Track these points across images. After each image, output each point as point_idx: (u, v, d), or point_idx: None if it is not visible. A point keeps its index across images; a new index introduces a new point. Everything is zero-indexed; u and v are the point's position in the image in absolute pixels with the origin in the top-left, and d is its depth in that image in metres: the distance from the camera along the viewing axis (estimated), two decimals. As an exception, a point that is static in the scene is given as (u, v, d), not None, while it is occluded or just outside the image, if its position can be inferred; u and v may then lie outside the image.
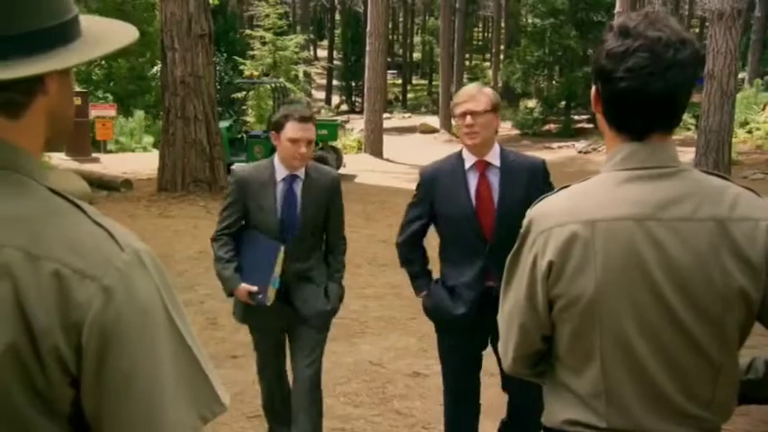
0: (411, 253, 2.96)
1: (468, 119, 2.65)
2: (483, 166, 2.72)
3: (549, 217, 1.42)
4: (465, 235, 2.71)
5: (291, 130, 2.94)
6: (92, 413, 0.95)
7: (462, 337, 2.82)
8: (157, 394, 0.95)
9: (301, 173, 3.05)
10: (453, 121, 2.81)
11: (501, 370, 2.84)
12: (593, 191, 1.41)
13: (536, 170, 2.75)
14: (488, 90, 2.76)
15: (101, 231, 0.97)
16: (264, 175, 3.03)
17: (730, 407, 1.43)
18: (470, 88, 2.77)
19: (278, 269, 2.98)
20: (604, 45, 1.38)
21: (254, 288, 2.96)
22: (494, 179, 2.71)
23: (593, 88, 1.44)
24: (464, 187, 2.72)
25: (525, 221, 1.48)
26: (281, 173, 3.03)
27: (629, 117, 1.38)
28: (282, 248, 2.96)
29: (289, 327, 3.16)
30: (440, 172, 2.82)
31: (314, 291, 3.08)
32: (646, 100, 1.34)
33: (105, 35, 1.05)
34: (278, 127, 2.99)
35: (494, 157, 2.72)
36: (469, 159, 2.75)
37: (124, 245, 0.96)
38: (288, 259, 3.00)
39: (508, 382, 2.84)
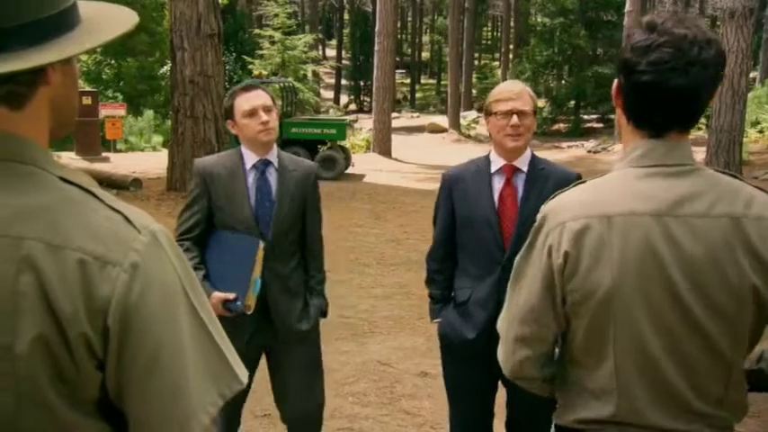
0: (436, 271, 2.71)
1: (515, 119, 2.45)
2: (510, 171, 2.54)
3: (565, 211, 1.41)
4: (484, 241, 2.51)
5: (241, 102, 2.61)
6: (117, 393, 0.97)
7: (472, 367, 2.58)
8: (181, 372, 0.97)
9: (274, 159, 2.68)
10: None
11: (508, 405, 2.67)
12: (610, 186, 1.41)
13: (566, 181, 2.41)
14: (529, 89, 2.57)
15: (117, 216, 0.98)
16: (232, 164, 2.65)
17: (744, 405, 1.43)
18: (514, 85, 2.56)
19: (257, 270, 2.55)
20: (631, 39, 1.38)
21: (231, 295, 2.51)
22: (519, 185, 2.53)
23: (616, 81, 1.44)
24: (488, 190, 2.52)
25: (539, 216, 1.47)
26: (250, 159, 2.65)
27: (648, 112, 1.38)
28: (261, 244, 2.55)
29: (267, 348, 2.75)
30: (464, 173, 2.62)
31: (292, 304, 2.69)
32: (665, 95, 1.34)
33: (105, 22, 1.04)
34: (229, 112, 2.64)
35: (523, 162, 2.55)
36: (497, 162, 2.55)
37: (141, 227, 0.98)
38: (267, 260, 2.60)
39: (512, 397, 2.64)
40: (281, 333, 2.70)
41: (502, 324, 1.56)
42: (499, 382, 2.63)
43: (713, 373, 1.37)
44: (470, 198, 2.56)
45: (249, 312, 2.56)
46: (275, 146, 2.72)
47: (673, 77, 1.32)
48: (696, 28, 1.34)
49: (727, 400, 1.39)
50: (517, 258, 1.52)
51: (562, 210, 1.42)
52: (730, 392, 1.39)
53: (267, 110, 2.61)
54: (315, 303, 2.77)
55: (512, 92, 2.50)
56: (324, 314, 2.84)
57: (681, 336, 1.35)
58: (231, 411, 2.76)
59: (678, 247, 1.33)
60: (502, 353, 1.56)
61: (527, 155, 2.57)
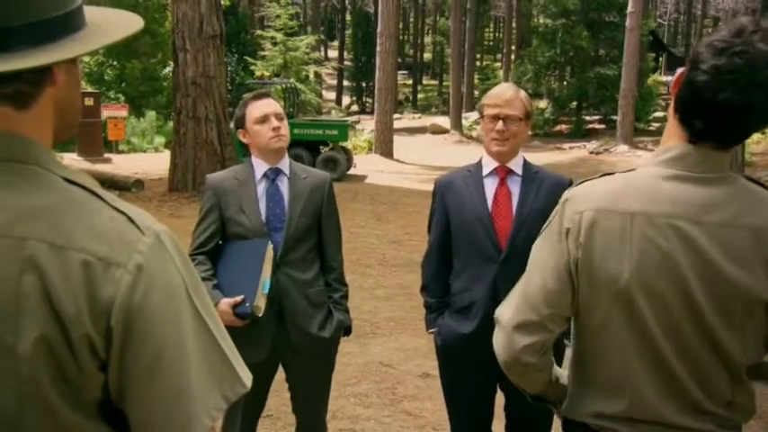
0: (432, 277, 2.67)
1: (500, 124, 2.46)
2: (504, 172, 2.54)
3: (588, 200, 1.39)
4: (479, 241, 2.49)
5: (252, 110, 2.63)
6: (119, 394, 0.97)
7: (471, 371, 2.55)
8: (184, 373, 0.97)
9: (285, 168, 2.68)
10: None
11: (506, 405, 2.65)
12: (637, 183, 1.38)
13: (560, 186, 2.50)
14: (524, 94, 2.54)
15: (120, 216, 0.98)
16: (243, 175, 2.66)
17: (751, 408, 1.43)
18: (507, 90, 2.53)
19: (266, 270, 2.49)
20: (714, 34, 1.33)
21: (239, 298, 2.45)
22: (514, 187, 2.53)
23: (683, 69, 1.39)
24: (480, 191, 2.53)
25: (561, 200, 1.44)
26: (260, 169, 2.66)
27: (692, 114, 1.34)
28: (270, 245, 2.52)
29: (284, 362, 2.72)
30: (455, 178, 2.63)
31: (309, 312, 2.64)
32: (712, 105, 1.29)
33: (110, 25, 1.05)
34: (240, 121, 2.66)
35: (516, 165, 2.54)
36: (489, 165, 2.56)
37: (144, 228, 0.98)
38: (279, 266, 2.59)
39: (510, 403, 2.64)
40: (297, 343, 2.63)
41: (505, 310, 1.51)
42: (497, 386, 2.62)
43: (721, 375, 1.37)
44: (463, 200, 2.56)
45: (259, 315, 2.49)
46: (286, 155, 2.72)
47: (727, 90, 1.26)
48: None
49: (735, 402, 1.39)
50: (534, 244, 1.49)
51: (585, 198, 1.40)
52: (737, 395, 1.39)
53: (279, 117, 2.64)
54: (339, 317, 2.71)
55: (500, 97, 2.49)
56: (347, 331, 2.78)
57: (691, 337, 1.35)
58: (248, 421, 2.75)
59: (697, 253, 1.32)
60: (500, 339, 1.50)
61: (519, 158, 2.58)
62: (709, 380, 1.37)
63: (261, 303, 2.49)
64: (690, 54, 1.37)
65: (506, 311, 1.51)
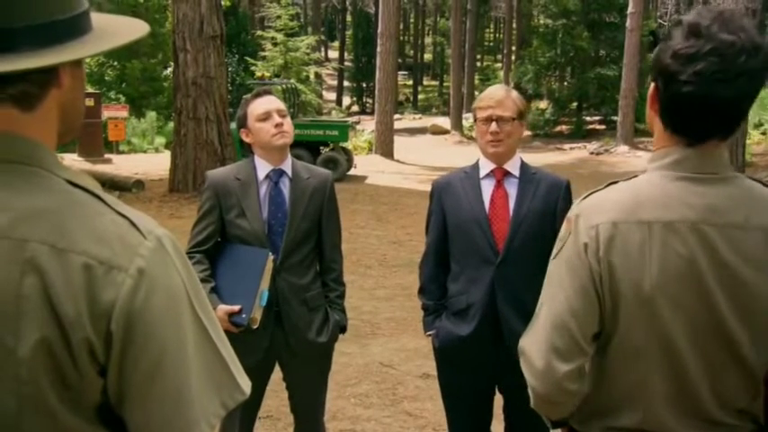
0: (430, 278, 2.66)
1: (494, 125, 2.45)
2: (501, 174, 2.54)
3: (601, 213, 1.36)
4: (476, 243, 2.49)
5: (255, 107, 2.59)
6: (118, 398, 0.96)
7: (469, 373, 2.56)
8: (184, 379, 0.97)
9: (288, 168, 2.64)
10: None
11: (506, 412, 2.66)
12: (645, 191, 1.36)
13: (558, 186, 2.53)
14: (515, 94, 2.54)
15: (122, 220, 0.98)
16: (245, 175, 2.60)
17: (764, 415, 1.42)
18: (497, 91, 2.54)
19: (265, 281, 2.49)
20: (670, 42, 1.31)
21: (236, 307, 2.45)
22: (511, 189, 2.52)
23: (653, 85, 1.37)
24: (477, 193, 2.52)
25: (571, 216, 1.41)
26: (263, 169, 2.61)
27: (689, 121, 1.32)
28: (270, 256, 2.50)
29: (281, 362, 2.72)
30: (452, 179, 2.63)
31: (310, 318, 2.62)
32: (710, 107, 1.28)
33: (116, 29, 1.05)
34: (243, 120, 2.63)
35: (513, 166, 2.54)
36: (486, 167, 2.55)
37: (146, 232, 0.98)
38: (279, 272, 2.57)
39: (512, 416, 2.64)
40: (295, 347, 2.63)
41: (530, 341, 1.43)
42: (496, 388, 2.63)
43: (742, 384, 1.35)
44: (460, 202, 2.56)
45: (255, 326, 2.49)
46: (289, 155, 2.67)
47: (718, 89, 1.26)
48: (743, 32, 1.27)
49: (751, 412, 1.38)
50: (549, 269, 1.45)
51: (598, 211, 1.37)
52: (755, 405, 1.38)
53: (281, 114, 2.60)
54: (335, 318, 2.70)
55: (492, 99, 2.50)
56: (343, 330, 2.76)
57: (713, 347, 1.32)
58: (246, 421, 2.75)
59: (717, 258, 1.30)
60: (534, 370, 1.41)
61: (516, 160, 2.57)
62: (728, 391, 1.35)
63: (257, 315, 2.49)
64: (655, 70, 1.35)
65: (533, 342, 1.43)
